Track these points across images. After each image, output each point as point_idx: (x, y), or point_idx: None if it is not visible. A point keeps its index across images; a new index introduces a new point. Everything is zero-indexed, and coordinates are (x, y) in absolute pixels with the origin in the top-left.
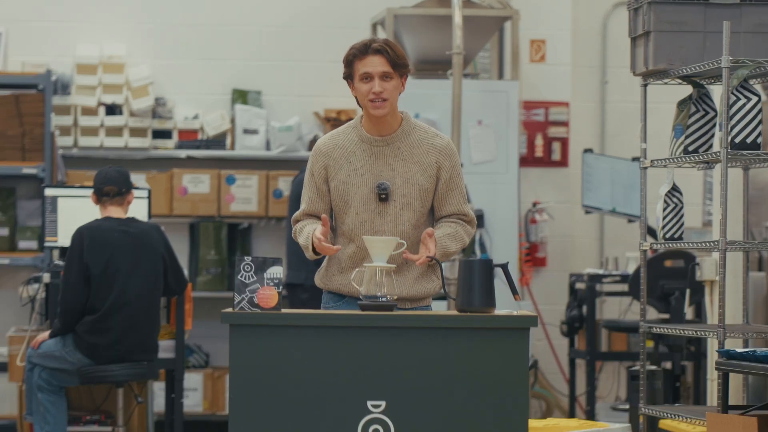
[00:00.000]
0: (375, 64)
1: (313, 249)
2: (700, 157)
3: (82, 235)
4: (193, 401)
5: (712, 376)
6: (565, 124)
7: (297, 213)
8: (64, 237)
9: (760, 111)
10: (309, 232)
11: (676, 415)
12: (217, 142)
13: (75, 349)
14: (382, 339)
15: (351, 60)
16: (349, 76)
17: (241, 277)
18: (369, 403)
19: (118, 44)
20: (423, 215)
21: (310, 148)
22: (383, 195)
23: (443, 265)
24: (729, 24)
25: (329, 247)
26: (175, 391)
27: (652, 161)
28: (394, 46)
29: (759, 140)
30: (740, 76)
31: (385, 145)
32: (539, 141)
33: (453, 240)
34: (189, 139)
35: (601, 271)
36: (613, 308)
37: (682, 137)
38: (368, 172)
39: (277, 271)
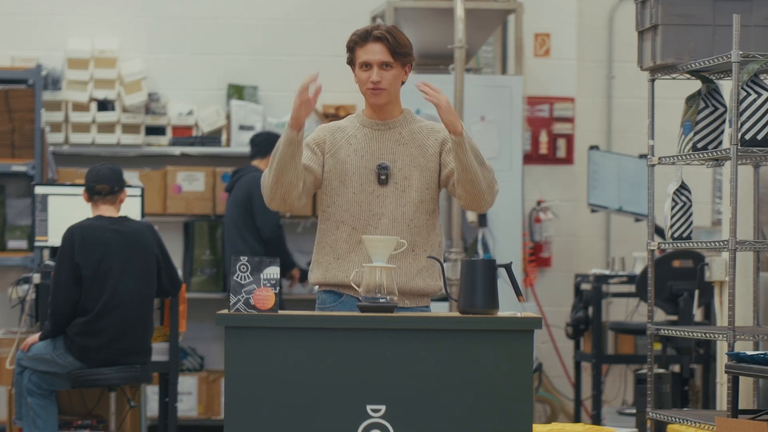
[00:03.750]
0: (374, 52)
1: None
2: (710, 154)
3: (73, 234)
4: (188, 405)
5: (722, 380)
6: (570, 120)
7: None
8: (54, 236)
9: None
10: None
11: (685, 419)
12: (212, 138)
13: (66, 352)
14: (382, 341)
15: (352, 47)
16: (351, 62)
17: (237, 277)
18: (368, 408)
19: (110, 38)
20: (428, 198)
21: None
22: (383, 175)
23: (445, 264)
24: (739, 17)
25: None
26: (168, 395)
27: (660, 158)
28: (397, 33)
29: None
30: (750, 70)
31: (387, 129)
32: (544, 138)
33: (480, 150)
34: (183, 135)
35: (607, 272)
36: (619, 310)
37: (691, 134)
38: (368, 153)
39: (274, 272)
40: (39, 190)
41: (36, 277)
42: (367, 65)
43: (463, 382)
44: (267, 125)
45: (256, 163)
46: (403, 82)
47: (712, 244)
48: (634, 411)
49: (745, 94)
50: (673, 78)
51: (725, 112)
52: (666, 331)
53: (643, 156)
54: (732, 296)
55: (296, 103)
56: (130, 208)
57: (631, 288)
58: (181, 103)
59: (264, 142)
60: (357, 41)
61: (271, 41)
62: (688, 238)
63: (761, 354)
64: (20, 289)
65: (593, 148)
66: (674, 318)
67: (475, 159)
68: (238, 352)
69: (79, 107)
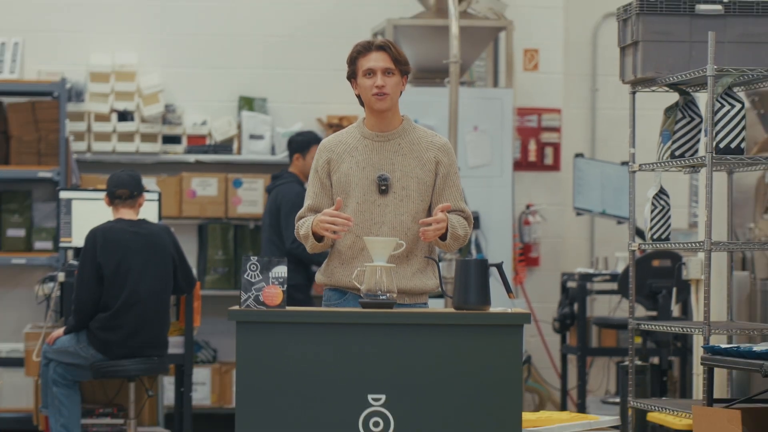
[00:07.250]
0: (378, 59)
1: (314, 236)
2: (687, 161)
3: (95, 236)
4: (202, 395)
5: (698, 371)
6: (557, 129)
7: (301, 210)
8: (78, 238)
9: (743, 117)
10: (311, 223)
11: (664, 408)
12: (225, 147)
13: (88, 345)
14: (382, 335)
15: (355, 57)
16: (352, 75)
17: (248, 276)
18: (369, 397)
19: (129, 53)
20: (423, 210)
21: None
22: (383, 186)
23: (441, 264)
24: (714, 34)
25: (337, 218)
26: (184, 385)
27: (640, 165)
28: (396, 45)
29: (742, 145)
30: (724, 84)
31: (386, 141)
32: (532, 146)
33: (459, 224)
34: (197, 144)
35: (591, 271)
36: (603, 306)
37: (669, 142)
38: (369, 165)
39: (282, 271)
40: (63, 194)
41: (61, 276)
42: (370, 72)
43: (458, 373)
44: (275, 134)
45: (294, 164)
46: (401, 92)
47: (689, 245)
48: (616, 400)
49: (719, 105)
50: (653, 90)
51: (701, 122)
52: (646, 326)
53: (624, 163)
54: (707, 293)
55: (324, 229)
56: (148, 211)
57: (614, 286)
58: (196, 114)
59: (302, 142)
60: (360, 51)
61: (278, 56)
62: (667, 239)
63: (734, 347)
64: (46, 287)
65: (578, 155)
66: (654, 314)
67: (455, 242)
68: (248, 345)
69: (101, 118)
